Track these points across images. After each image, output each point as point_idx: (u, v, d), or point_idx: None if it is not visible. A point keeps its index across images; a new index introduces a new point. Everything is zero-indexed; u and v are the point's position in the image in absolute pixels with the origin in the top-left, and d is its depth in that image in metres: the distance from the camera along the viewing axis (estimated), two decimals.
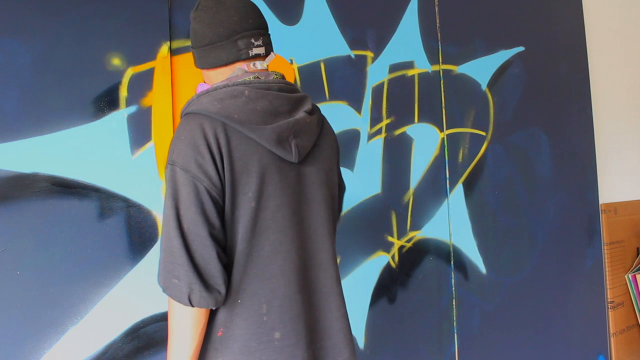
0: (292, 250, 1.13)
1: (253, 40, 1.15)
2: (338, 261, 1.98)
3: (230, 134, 1.07)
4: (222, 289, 1.05)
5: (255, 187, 1.08)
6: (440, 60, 2.32)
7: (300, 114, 1.16)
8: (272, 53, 1.21)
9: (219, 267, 1.04)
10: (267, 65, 1.20)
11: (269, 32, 1.21)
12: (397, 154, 2.17)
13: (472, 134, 2.40)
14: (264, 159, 1.10)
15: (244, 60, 1.15)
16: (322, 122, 1.27)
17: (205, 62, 1.18)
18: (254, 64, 1.16)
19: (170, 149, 1.08)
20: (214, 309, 1.08)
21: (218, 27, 1.13)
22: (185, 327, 1.05)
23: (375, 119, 2.12)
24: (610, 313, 2.82)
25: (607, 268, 2.84)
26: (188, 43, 1.74)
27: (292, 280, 1.13)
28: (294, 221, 1.15)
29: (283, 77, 1.22)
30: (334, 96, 2.01)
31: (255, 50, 1.15)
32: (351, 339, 1.22)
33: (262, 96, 1.11)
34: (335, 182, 1.29)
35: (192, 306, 1.03)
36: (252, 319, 1.09)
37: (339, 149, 1.34)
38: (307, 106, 1.20)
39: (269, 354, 1.09)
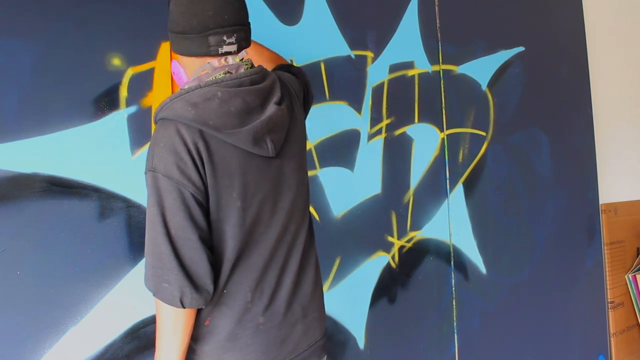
0: (273, 238, 1.19)
1: (225, 38, 1.13)
2: (338, 261, 1.98)
3: (208, 139, 1.09)
4: (211, 289, 1.10)
5: (239, 188, 1.12)
6: (440, 60, 2.32)
7: (272, 108, 1.17)
8: (244, 50, 1.19)
9: (208, 268, 1.08)
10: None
11: (250, 26, 1.20)
12: (397, 154, 2.17)
13: (472, 134, 2.40)
14: (242, 159, 1.13)
15: (213, 56, 1.14)
16: (292, 106, 1.27)
17: (175, 47, 1.18)
18: (225, 59, 1.16)
19: (149, 155, 1.10)
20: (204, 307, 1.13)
21: (191, 19, 1.11)
22: (176, 326, 1.09)
23: (375, 119, 2.12)
24: (610, 313, 2.82)
25: (607, 268, 2.84)
26: None
27: (274, 266, 1.19)
28: (277, 213, 1.20)
29: (252, 63, 1.21)
30: (334, 96, 2.01)
31: (226, 48, 1.14)
32: (322, 317, 1.32)
33: (235, 94, 1.11)
34: (305, 159, 1.35)
35: (184, 308, 1.07)
36: (238, 308, 1.15)
37: (305, 131, 1.36)
38: (277, 94, 1.20)
39: (253, 338, 1.15)
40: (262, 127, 1.14)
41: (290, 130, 1.25)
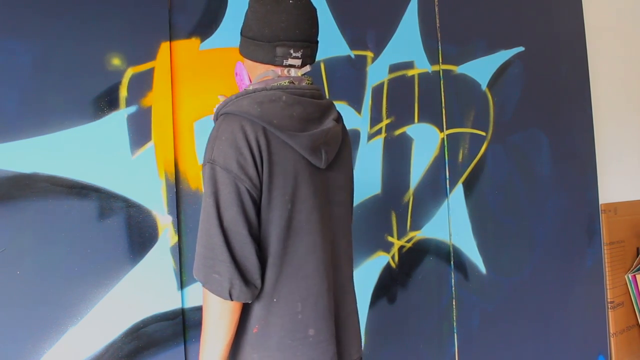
0: (323, 251, 1.18)
1: (292, 51, 1.18)
2: None
3: (270, 138, 1.11)
4: (259, 284, 1.10)
5: (291, 190, 1.14)
6: (440, 60, 2.32)
7: (330, 123, 1.22)
8: (308, 66, 1.24)
9: (256, 264, 1.09)
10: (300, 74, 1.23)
11: (318, 44, 1.25)
12: (397, 154, 2.17)
13: (472, 134, 2.40)
14: (298, 164, 1.15)
15: (277, 66, 1.19)
16: (344, 132, 1.33)
17: (243, 50, 1.22)
18: (287, 71, 1.20)
19: (208, 147, 1.12)
20: (250, 302, 1.13)
21: (264, 27, 1.17)
22: (223, 319, 1.09)
23: (375, 119, 2.12)
24: (610, 313, 2.82)
25: (607, 268, 2.84)
26: (188, 43, 1.74)
27: (324, 279, 1.18)
28: (323, 223, 1.20)
29: (313, 81, 1.27)
30: (334, 96, 2.01)
31: (291, 61, 1.19)
32: (359, 334, 1.31)
33: (297, 102, 1.16)
34: (352, 187, 1.38)
35: (232, 300, 1.07)
36: (288, 317, 1.14)
37: (352, 162, 1.41)
38: (334, 114, 1.26)
39: (303, 350, 1.14)
40: (321, 137, 1.18)
41: (341, 150, 1.29)
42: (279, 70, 1.19)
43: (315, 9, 1.22)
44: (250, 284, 1.09)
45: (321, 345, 1.16)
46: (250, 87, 1.18)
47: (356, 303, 1.32)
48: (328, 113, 1.24)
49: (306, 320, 1.15)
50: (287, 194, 1.13)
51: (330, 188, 1.24)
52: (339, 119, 1.29)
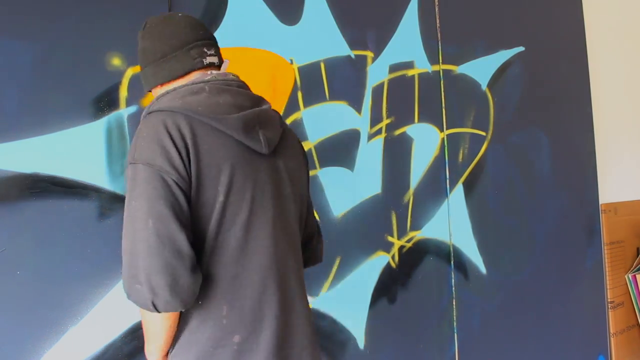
0: (258, 248, 1.07)
1: (205, 50, 1.13)
2: (338, 261, 1.98)
3: (195, 125, 1.02)
4: (193, 289, 0.97)
5: (225, 181, 1.02)
6: (440, 60, 2.32)
7: (264, 106, 1.15)
8: (225, 60, 1.19)
9: (189, 265, 0.96)
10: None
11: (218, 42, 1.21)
12: (397, 154, 2.17)
13: (472, 134, 2.40)
14: (232, 151, 1.04)
15: (199, 69, 1.13)
16: (284, 124, 1.24)
17: (160, 77, 1.13)
18: (210, 72, 1.12)
19: (130, 150, 1.01)
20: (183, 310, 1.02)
21: (169, 39, 1.11)
22: (154, 329, 1.05)
23: (375, 119, 2.12)
24: (610, 313, 2.82)
25: (607, 268, 2.84)
26: None
27: (257, 280, 1.06)
28: (263, 219, 1.08)
29: (238, 77, 1.19)
30: (334, 96, 2.01)
31: (209, 59, 1.14)
32: (316, 346, 1.17)
33: (224, 91, 1.08)
34: (304, 183, 1.25)
35: (158, 312, 0.96)
36: (212, 322, 1.03)
37: (307, 160, 1.31)
38: (267, 104, 1.17)
39: (225, 358, 1.02)
40: (253, 118, 1.08)
41: (284, 141, 1.19)
42: (201, 73, 1.12)
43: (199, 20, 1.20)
44: (181, 291, 0.95)
45: (246, 355, 1.03)
46: (171, 86, 1.11)
47: (309, 311, 1.18)
48: (261, 102, 1.15)
49: (232, 325, 1.02)
50: (220, 185, 1.01)
51: (275, 179, 1.12)
52: (274, 110, 1.19)
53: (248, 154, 1.07)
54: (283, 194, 1.14)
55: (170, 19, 1.15)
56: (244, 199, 1.05)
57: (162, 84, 1.14)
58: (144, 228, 0.94)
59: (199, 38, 1.13)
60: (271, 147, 1.11)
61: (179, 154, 0.98)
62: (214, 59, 1.15)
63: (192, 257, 0.97)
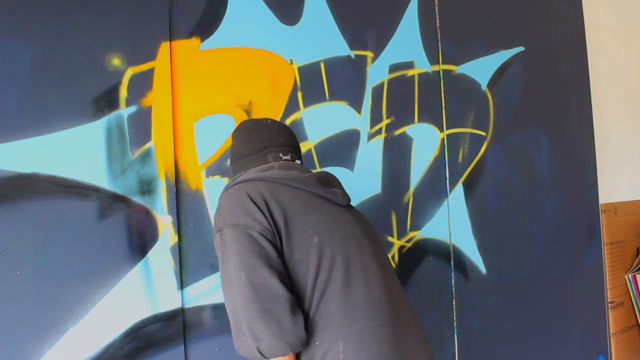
0: (365, 282, 1.09)
1: (281, 155, 1.25)
2: None
3: (272, 186, 1.12)
4: (296, 331, 1.00)
5: (314, 223, 1.09)
6: (440, 60, 2.32)
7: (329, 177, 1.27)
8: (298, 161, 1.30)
9: (288, 309, 0.99)
10: None
11: (301, 153, 1.34)
12: (397, 154, 2.17)
13: (472, 134, 2.40)
14: (312, 199, 1.14)
15: None
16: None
17: (237, 173, 1.28)
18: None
19: (215, 222, 1.11)
20: (294, 353, 1.02)
21: (251, 144, 1.26)
22: None
23: (375, 119, 2.12)
24: (610, 313, 2.82)
25: (607, 268, 2.84)
26: (188, 43, 1.74)
27: (370, 313, 1.06)
28: (362, 252, 1.13)
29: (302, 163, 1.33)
30: (334, 96, 2.01)
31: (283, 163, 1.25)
32: None
33: (292, 168, 1.20)
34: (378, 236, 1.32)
35: (265, 357, 0.98)
36: (329, 359, 1.03)
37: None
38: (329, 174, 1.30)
39: None
40: (323, 176, 1.20)
41: (353, 208, 1.28)
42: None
43: (290, 128, 1.32)
44: (284, 334, 0.98)
45: None
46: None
47: (424, 334, 1.21)
48: (325, 173, 1.27)
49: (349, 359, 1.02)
50: (310, 228, 1.07)
51: (358, 225, 1.19)
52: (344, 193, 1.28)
53: (327, 203, 1.16)
54: (369, 238, 1.21)
55: (258, 124, 1.29)
56: (336, 237, 1.11)
57: None
58: (238, 281, 1.00)
59: (278, 144, 1.26)
60: (347, 198, 1.21)
61: (259, 209, 1.06)
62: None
63: (291, 300, 1.01)
